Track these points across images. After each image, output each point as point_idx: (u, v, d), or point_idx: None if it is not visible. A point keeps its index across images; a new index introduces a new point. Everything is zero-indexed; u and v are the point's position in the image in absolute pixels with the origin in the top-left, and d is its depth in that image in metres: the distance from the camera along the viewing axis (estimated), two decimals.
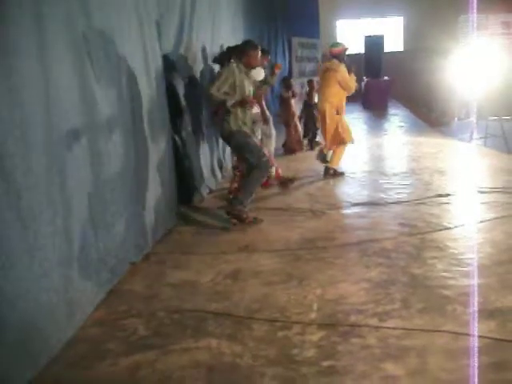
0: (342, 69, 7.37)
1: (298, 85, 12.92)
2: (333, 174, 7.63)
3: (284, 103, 9.53)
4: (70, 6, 3.55)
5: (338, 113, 7.48)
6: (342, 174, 7.71)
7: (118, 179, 4.23)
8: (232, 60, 5.59)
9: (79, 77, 3.62)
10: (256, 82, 6.07)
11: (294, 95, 9.60)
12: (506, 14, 17.83)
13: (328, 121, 7.45)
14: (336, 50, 7.52)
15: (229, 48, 6.53)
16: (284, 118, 9.56)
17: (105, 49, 4.04)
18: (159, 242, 5.06)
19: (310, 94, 10.44)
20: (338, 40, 19.90)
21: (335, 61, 7.44)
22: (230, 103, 5.33)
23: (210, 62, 7.15)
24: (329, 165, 7.63)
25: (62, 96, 3.39)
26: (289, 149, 9.56)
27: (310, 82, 10.88)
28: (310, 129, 10.12)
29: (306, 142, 10.08)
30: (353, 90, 7.53)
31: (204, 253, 4.78)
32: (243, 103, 5.36)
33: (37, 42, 3.12)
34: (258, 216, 5.53)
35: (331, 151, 7.60)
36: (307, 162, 8.62)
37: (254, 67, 5.64)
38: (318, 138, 9.90)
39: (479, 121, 10.50)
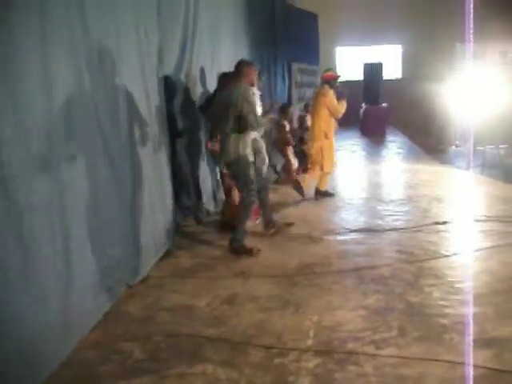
0: (331, 94, 7.64)
1: (296, 110, 13.00)
2: (323, 195, 7.85)
3: (281, 130, 9.52)
4: (72, 26, 3.60)
5: (326, 137, 7.72)
6: (332, 194, 7.92)
7: (116, 201, 4.24)
8: (238, 84, 5.47)
9: (78, 98, 3.66)
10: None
11: (290, 123, 9.70)
12: (503, 44, 18.06)
13: (313, 144, 7.79)
14: (326, 75, 7.86)
15: (224, 73, 6.58)
16: (279, 145, 9.54)
17: (103, 71, 4.08)
18: (156, 265, 5.06)
19: (305, 118, 10.58)
20: (337, 67, 20.22)
21: (326, 86, 7.75)
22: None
23: (209, 87, 7.21)
24: (318, 187, 7.87)
25: (60, 119, 3.43)
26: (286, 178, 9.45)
27: (306, 106, 11.08)
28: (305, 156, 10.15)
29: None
30: (339, 115, 7.80)
31: (201, 277, 4.78)
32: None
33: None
34: (256, 242, 5.55)
35: (309, 179, 7.84)
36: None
37: (252, 85, 5.68)
38: None
39: (476, 149, 10.56)
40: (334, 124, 8.01)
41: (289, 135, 9.54)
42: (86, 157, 3.77)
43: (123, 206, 4.40)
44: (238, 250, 5.36)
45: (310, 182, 7.87)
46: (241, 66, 5.57)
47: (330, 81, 7.78)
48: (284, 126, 9.45)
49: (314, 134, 7.83)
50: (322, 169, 7.80)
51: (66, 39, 3.52)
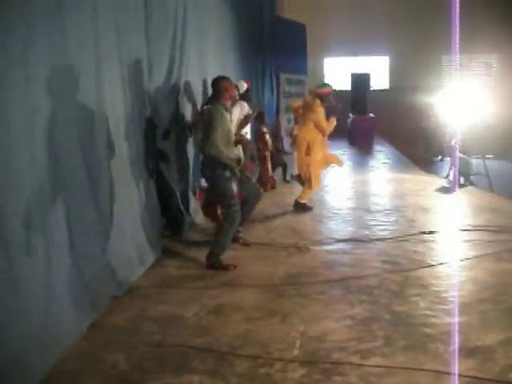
0: (320, 111, 7.50)
1: (285, 120, 13.06)
2: (302, 208, 7.70)
3: (261, 138, 9.42)
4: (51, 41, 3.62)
5: (308, 151, 7.58)
6: (310, 208, 7.74)
7: (99, 212, 4.24)
8: (216, 103, 5.37)
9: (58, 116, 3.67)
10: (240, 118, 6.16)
11: (269, 130, 9.72)
12: (487, 55, 18.26)
13: (300, 155, 7.74)
14: (322, 91, 7.64)
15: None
16: (258, 152, 9.42)
17: (80, 83, 4.08)
18: (143, 275, 5.03)
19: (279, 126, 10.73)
20: (325, 77, 20.33)
21: (317, 101, 7.55)
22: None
23: (196, 99, 7.22)
24: (298, 200, 7.73)
25: (40, 134, 3.45)
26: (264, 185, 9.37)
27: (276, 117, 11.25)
28: (279, 162, 10.23)
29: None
30: (326, 133, 7.64)
31: (188, 287, 4.77)
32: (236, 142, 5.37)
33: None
34: (242, 252, 5.58)
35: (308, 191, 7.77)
36: (290, 196, 8.64)
37: (234, 98, 5.66)
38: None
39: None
40: (320, 137, 7.72)
41: (268, 143, 9.41)
42: (75, 165, 3.79)
43: (107, 217, 4.41)
44: (215, 266, 5.25)
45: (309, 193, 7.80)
46: (216, 83, 5.42)
47: (325, 96, 7.59)
48: (264, 134, 9.34)
49: (297, 144, 7.74)
50: (310, 187, 7.71)
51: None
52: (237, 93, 5.73)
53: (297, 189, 8.23)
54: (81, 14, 4.06)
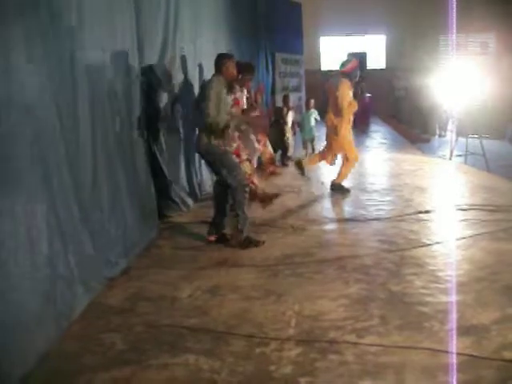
0: (343, 89, 7.21)
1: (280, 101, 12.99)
2: (339, 188, 7.57)
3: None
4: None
5: (335, 132, 7.39)
6: (348, 190, 7.60)
7: (92, 192, 4.22)
8: (213, 76, 5.39)
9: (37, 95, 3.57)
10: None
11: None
12: (484, 34, 18.17)
13: (332, 135, 7.51)
14: (350, 66, 7.38)
15: None
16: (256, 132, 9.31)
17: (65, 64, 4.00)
18: (138, 256, 5.03)
19: (282, 110, 10.48)
20: (321, 56, 20.21)
21: (343, 79, 7.28)
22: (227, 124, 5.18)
23: (191, 79, 7.16)
24: (335, 180, 7.63)
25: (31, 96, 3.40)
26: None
27: (285, 98, 10.99)
28: (279, 146, 10.11)
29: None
30: (344, 114, 7.30)
31: (183, 267, 4.76)
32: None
33: None
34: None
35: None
36: (286, 178, 8.64)
37: (233, 78, 5.60)
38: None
39: (459, 138, 10.63)
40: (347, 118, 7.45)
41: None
42: (60, 142, 3.76)
43: (101, 198, 4.40)
44: (245, 244, 5.22)
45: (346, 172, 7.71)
46: (218, 60, 5.41)
47: (352, 72, 7.31)
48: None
49: (328, 127, 7.55)
50: (349, 165, 7.61)
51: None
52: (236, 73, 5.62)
53: (291, 168, 8.21)
54: None
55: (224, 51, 6.95)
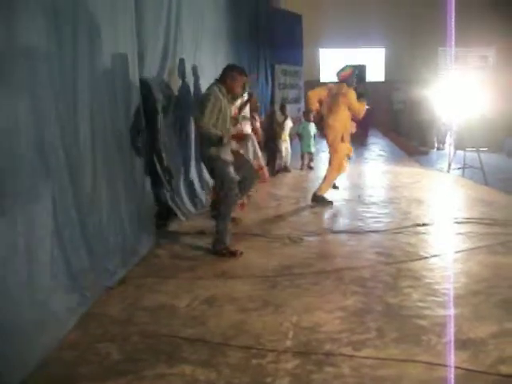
0: (351, 93, 7.37)
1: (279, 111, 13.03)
2: (321, 200, 7.56)
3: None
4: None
5: (342, 139, 7.46)
6: (330, 202, 7.60)
7: (90, 200, 4.22)
8: (213, 84, 5.39)
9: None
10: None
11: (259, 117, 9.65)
12: (484, 48, 18.24)
13: (336, 147, 7.52)
14: (344, 74, 7.53)
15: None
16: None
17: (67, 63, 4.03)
18: (136, 265, 5.02)
19: (274, 113, 10.60)
20: (321, 68, 20.28)
21: (344, 85, 7.44)
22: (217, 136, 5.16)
23: (191, 87, 7.20)
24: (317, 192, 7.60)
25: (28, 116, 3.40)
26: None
27: (282, 107, 11.18)
28: (270, 148, 10.18)
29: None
30: (361, 115, 7.51)
31: (181, 277, 4.76)
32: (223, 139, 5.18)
33: None
34: (236, 243, 5.51)
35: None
36: (284, 188, 8.65)
37: (236, 94, 5.60)
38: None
39: (457, 151, 10.66)
40: (351, 126, 7.70)
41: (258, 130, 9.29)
42: (59, 149, 3.76)
43: (100, 206, 4.39)
44: (222, 252, 5.28)
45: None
46: (233, 69, 5.42)
47: (347, 79, 7.47)
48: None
49: (329, 139, 7.55)
50: (334, 173, 7.63)
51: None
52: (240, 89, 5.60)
53: (289, 179, 8.23)
54: None
55: (224, 62, 7.00)
